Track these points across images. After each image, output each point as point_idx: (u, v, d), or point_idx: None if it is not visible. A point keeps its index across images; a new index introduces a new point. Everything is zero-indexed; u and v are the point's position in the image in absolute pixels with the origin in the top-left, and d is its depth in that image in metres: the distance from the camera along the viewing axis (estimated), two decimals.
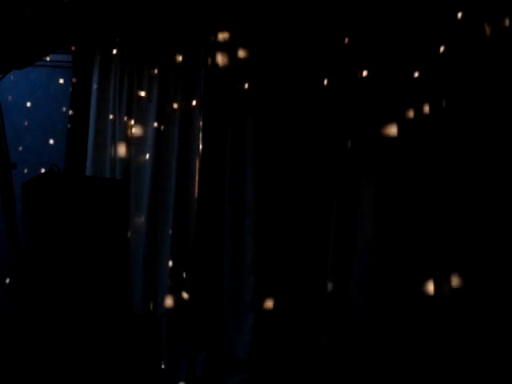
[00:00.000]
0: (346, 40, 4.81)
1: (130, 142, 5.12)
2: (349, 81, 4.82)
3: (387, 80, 4.74)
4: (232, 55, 5.08)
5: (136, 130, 5.13)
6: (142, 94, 5.16)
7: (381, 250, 4.66)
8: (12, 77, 4.94)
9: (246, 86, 5.07)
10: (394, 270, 4.62)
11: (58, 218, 3.54)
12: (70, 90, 5.19)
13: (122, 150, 5.08)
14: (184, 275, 4.98)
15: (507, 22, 4.21)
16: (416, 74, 4.63)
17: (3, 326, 3.43)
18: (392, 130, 4.76)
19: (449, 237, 4.50)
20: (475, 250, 4.38)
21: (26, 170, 4.74)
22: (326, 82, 4.93)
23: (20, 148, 5.03)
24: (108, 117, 5.14)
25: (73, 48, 5.17)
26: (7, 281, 4.89)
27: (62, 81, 5.27)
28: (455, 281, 4.44)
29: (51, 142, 5.21)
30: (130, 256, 4.92)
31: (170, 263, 4.99)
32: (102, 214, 3.64)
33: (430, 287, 4.52)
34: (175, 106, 5.13)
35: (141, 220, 5.02)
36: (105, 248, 3.64)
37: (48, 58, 4.85)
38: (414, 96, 4.66)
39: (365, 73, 4.74)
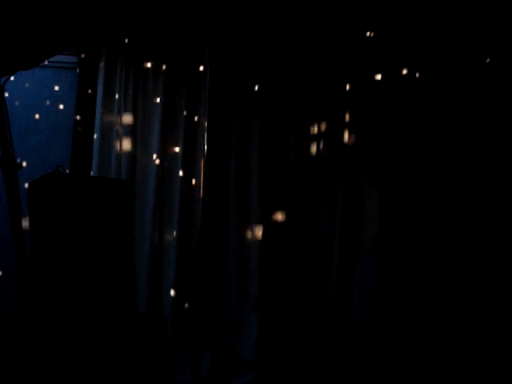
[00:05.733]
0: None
1: (136, 143, 5.13)
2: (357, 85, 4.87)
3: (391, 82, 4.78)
4: (237, 59, 5.09)
5: (141, 132, 5.14)
6: (147, 95, 5.17)
7: (386, 250, 4.66)
8: (18, 77, 4.95)
9: (251, 90, 5.08)
10: (399, 270, 4.63)
11: (63, 219, 3.54)
12: (76, 90, 5.20)
13: (127, 151, 5.09)
14: (189, 275, 4.99)
15: None
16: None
17: (10, 327, 3.43)
18: (395, 131, 4.78)
19: (454, 235, 4.51)
20: (482, 253, 4.40)
21: (31, 171, 4.73)
22: (330, 86, 4.96)
23: (26, 148, 5.04)
24: (113, 118, 5.15)
25: (80, 53, 5.19)
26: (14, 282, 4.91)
27: (67, 82, 5.28)
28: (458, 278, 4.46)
29: (57, 142, 5.22)
30: (135, 255, 4.93)
31: (176, 264, 4.99)
32: (107, 214, 3.64)
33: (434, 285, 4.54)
34: (180, 108, 5.14)
35: (146, 219, 5.03)
36: (110, 248, 3.64)
37: (54, 59, 4.85)
38: (415, 100, 4.70)
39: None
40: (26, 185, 4.24)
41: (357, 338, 4.68)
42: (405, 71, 4.75)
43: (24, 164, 3.99)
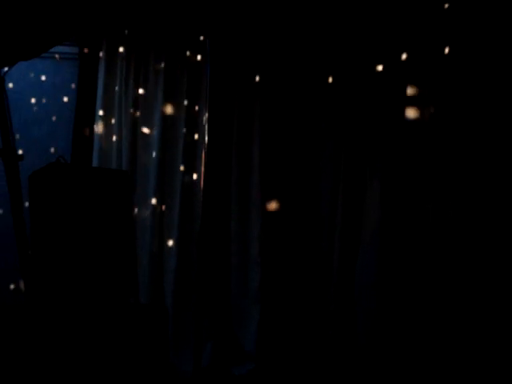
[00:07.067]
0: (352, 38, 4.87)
1: (136, 135, 5.13)
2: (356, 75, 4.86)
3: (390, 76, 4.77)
4: (238, 49, 5.08)
5: (142, 124, 5.15)
6: (148, 86, 5.17)
7: (387, 240, 4.67)
8: (19, 68, 4.95)
9: (252, 80, 5.07)
10: (400, 260, 4.63)
11: (64, 209, 3.54)
12: (77, 81, 5.20)
13: (127, 143, 5.10)
14: (191, 266, 5.00)
15: None
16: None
17: (10, 318, 3.44)
18: (397, 122, 4.78)
19: (456, 225, 4.52)
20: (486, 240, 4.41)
21: (32, 162, 4.74)
22: (330, 77, 4.96)
23: (27, 139, 5.05)
24: (114, 109, 5.15)
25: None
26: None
27: (68, 72, 5.28)
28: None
29: (58, 133, 5.22)
30: (136, 246, 4.94)
31: (177, 255, 5.00)
32: (108, 204, 3.65)
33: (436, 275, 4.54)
34: (181, 98, 5.13)
35: (147, 211, 5.04)
36: (111, 238, 3.65)
37: (54, 50, 4.84)
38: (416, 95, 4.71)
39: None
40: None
41: (357, 328, 4.69)
42: (403, 57, 4.75)
43: (25, 155, 3.98)
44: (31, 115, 5.18)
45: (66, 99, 5.24)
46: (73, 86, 5.22)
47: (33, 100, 5.20)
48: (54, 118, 5.23)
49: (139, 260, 4.97)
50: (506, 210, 4.39)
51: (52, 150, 5.10)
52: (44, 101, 5.23)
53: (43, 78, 5.23)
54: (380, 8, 4.73)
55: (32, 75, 5.19)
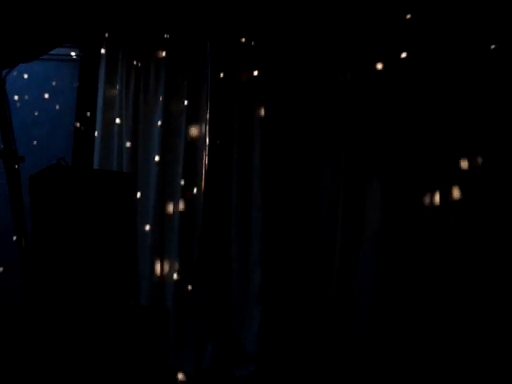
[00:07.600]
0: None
1: (137, 136, 5.14)
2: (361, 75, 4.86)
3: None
4: (238, 49, 5.09)
5: (142, 125, 5.15)
6: (149, 87, 5.17)
7: (387, 242, 4.67)
8: (19, 70, 4.95)
9: (253, 78, 5.08)
10: (401, 262, 4.63)
11: (65, 211, 3.54)
12: (77, 83, 5.20)
13: (128, 144, 5.10)
14: (191, 267, 5.00)
15: None
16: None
17: (10, 319, 3.44)
18: (397, 121, 4.78)
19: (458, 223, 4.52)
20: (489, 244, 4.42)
21: (33, 164, 4.74)
22: (329, 78, 4.96)
23: (27, 141, 5.05)
24: (115, 110, 5.15)
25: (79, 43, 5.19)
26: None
27: (69, 74, 5.29)
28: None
29: (59, 135, 5.22)
30: (137, 247, 4.94)
31: (177, 254, 5.00)
32: (109, 206, 3.65)
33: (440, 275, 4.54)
34: (182, 100, 5.14)
35: (147, 212, 5.04)
36: (112, 240, 3.65)
37: (55, 52, 4.85)
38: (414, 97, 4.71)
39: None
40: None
41: (358, 329, 4.69)
42: (404, 55, 4.74)
43: (26, 157, 3.99)
44: (32, 117, 5.19)
45: (67, 101, 5.25)
46: (74, 87, 5.23)
47: (34, 102, 5.20)
48: (55, 120, 5.24)
49: (140, 261, 4.98)
50: (507, 211, 4.38)
51: (53, 151, 5.11)
52: (45, 103, 5.23)
53: (44, 79, 5.23)
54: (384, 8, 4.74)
55: (33, 77, 5.19)
